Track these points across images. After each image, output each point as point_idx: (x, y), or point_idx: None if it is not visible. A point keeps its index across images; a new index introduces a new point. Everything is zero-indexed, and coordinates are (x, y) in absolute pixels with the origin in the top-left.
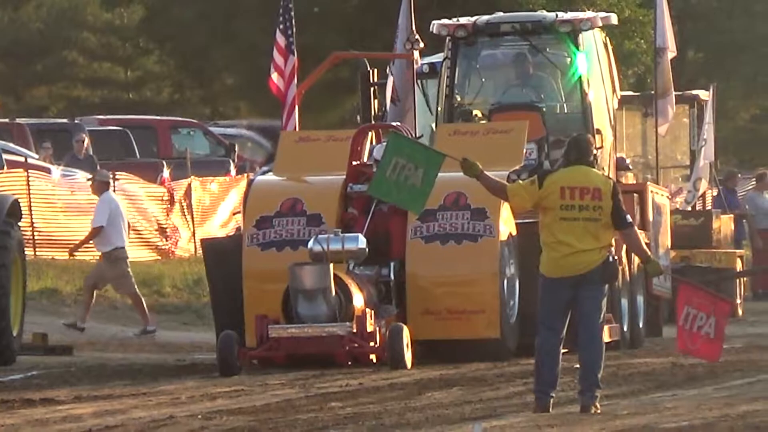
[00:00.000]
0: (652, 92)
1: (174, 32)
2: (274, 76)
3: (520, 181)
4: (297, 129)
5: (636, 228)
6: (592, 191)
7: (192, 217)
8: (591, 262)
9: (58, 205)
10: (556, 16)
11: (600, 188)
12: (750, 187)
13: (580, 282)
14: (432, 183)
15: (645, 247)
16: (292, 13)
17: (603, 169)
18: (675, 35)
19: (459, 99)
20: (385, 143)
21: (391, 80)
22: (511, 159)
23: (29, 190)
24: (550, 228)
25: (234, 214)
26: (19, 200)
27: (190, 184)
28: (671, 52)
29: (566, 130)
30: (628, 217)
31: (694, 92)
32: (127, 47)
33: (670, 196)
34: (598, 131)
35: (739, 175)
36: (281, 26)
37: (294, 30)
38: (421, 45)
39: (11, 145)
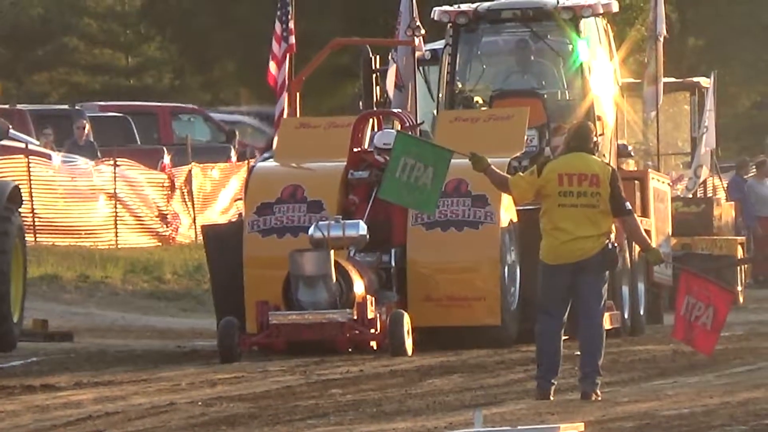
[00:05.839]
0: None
1: (175, 18)
2: (272, 66)
3: (521, 173)
4: (285, 112)
5: (635, 216)
6: (590, 177)
7: (193, 204)
8: (589, 249)
9: (59, 191)
10: (558, 2)
11: (598, 175)
12: (750, 175)
13: (580, 269)
14: (442, 181)
15: (645, 234)
16: None
17: (604, 156)
18: (668, 21)
19: (460, 86)
20: (386, 130)
21: (395, 67)
22: (512, 145)
23: (30, 176)
24: (549, 215)
25: (235, 200)
26: (20, 186)
27: (190, 171)
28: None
29: (567, 117)
30: (628, 204)
31: (695, 79)
32: (128, 33)
33: (671, 183)
34: (599, 118)
35: (751, 164)
36: (278, 13)
37: (290, 17)
38: (422, 32)
39: (12, 130)
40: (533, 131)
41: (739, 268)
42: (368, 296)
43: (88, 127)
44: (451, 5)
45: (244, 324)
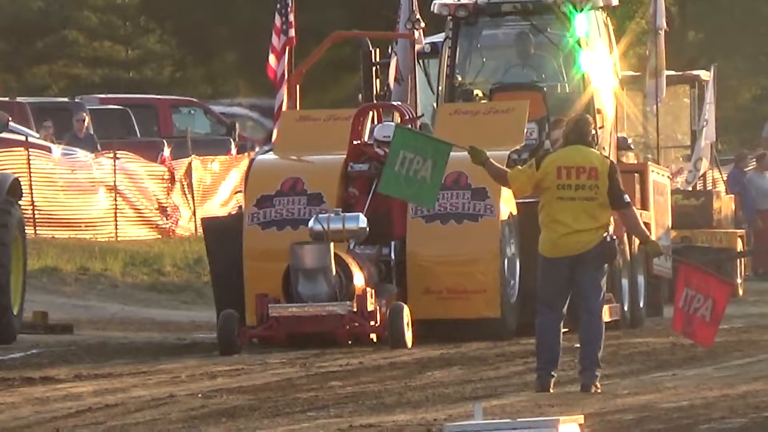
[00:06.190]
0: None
1: (174, 11)
2: (272, 59)
3: (519, 167)
4: (284, 105)
5: (634, 208)
6: (588, 170)
7: (193, 196)
8: (588, 242)
9: (59, 183)
10: None
11: (597, 167)
12: (750, 168)
13: (578, 262)
14: (442, 174)
15: (643, 227)
16: None
17: (604, 149)
18: (668, 14)
19: (460, 79)
20: (386, 123)
21: (395, 60)
22: (512, 138)
23: (30, 168)
24: (547, 208)
25: (235, 193)
26: (20, 179)
27: (190, 163)
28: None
29: (567, 110)
30: (626, 197)
31: (695, 72)
32: (128, 26)
33: (671, 176)
34: (599, 111)
35: (750, 157)
36: (278, 5)
37: (289, 10)
38: (422, 25)
39: (12, 123)
40: (533, 124)
41: (738, 260)
42: (368, 289)
43: (87, 119)
44: None
45: (243, 316)
